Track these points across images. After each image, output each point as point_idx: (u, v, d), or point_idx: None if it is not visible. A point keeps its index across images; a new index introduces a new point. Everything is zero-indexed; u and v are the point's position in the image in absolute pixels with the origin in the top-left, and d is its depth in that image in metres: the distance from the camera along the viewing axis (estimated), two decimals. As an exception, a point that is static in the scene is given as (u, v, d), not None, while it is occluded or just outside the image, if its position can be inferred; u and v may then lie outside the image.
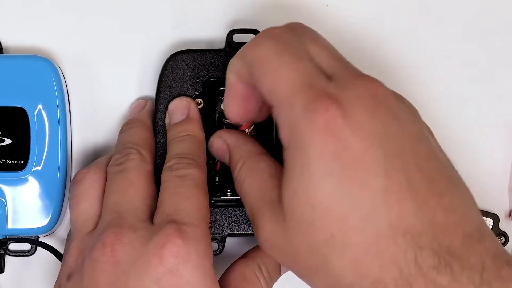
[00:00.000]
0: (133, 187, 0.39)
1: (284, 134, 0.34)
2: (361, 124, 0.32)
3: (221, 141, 0.41)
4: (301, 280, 0.35)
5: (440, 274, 0.30)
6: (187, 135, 0.42)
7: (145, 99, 0.45)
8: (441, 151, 0.36)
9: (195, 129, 0.42)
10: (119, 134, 0.44)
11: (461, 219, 0.32)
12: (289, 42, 0.35)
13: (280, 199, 0.35)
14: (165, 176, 0.40)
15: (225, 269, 0.41)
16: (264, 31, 0.37)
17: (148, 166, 0.41)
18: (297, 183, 0.33)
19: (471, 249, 0.31)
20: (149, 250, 0.36)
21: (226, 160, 0.41)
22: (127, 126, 0.44)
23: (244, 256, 0.42)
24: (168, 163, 0.40)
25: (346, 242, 0.32)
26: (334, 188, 0.32)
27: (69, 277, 0.38)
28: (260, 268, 0.41)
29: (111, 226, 0.37)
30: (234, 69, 0.37)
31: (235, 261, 0.41)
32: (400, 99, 0.35)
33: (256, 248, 0.42)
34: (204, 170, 0.40)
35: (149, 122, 0.44)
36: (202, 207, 0.38)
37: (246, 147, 0.40)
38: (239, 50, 0.37)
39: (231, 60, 0.37)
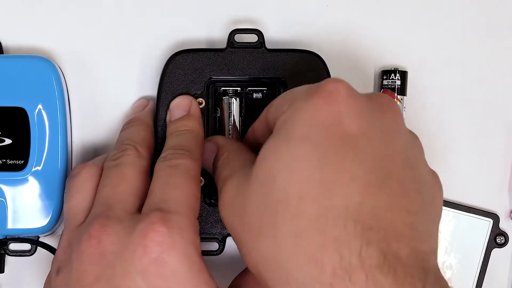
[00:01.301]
0: (125, 181, 0.39)
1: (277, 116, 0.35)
2: (361, 110, 0.32)
3: (211, 143, 0.41)
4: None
5: (382, 274, 0.29)
6: (186, 129, 0.42)
7: (147, 98, 0.45)
8: (424, 164, 0.35)
9: (195, 125, 0.42)
10: (120, 132, 0.44)
11: (417, 236, 0.31)
12: None
13: (253, 164, 0.34)
14: (157, 166, 0.39)
15: (243, 269, 0.41)
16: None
17: (144, 162, 0.41)
18: (274, 142, 0.33)
19: (417, 263, 0.30)
20: (133, 240, 0.35)
21: (211, 162, 0.41)
22: (127, 125, 0.44)
23: None
24: (162, 154, 0.40)
25: (298, 208, 0.31)
26: (308, 152, 0.32)
27: (58, 271, 0.38)
28: None
29: (98, 217, 0.37)
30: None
31: None
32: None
33: None
34: (198, 163, 0.40)
35: (150, 121, 0.44)
36: (191, 197, 0.38)
37: (234, 145, 0.40)
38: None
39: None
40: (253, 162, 0.35)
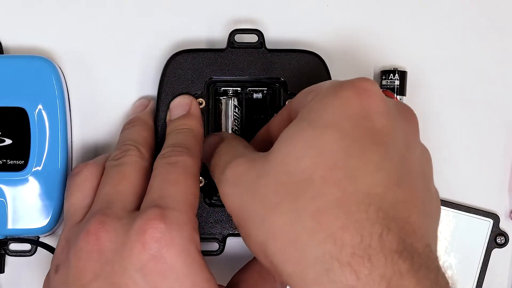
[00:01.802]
0: (126, 180, 0.39)
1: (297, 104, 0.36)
2: (389, 112, 0.34)
3: (216, 136, 0.41)
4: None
5: (401, 259, 0.30)
6: (185, 128, 0.42)
7: (147, 98, 0.46)
8: (432, 178, 0.37)
9: (195, 124, 0.42)
10: (121, 132, 0.44)
11: (428, 237, 0.32)
12: None
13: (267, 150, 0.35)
14: (156, 163, 0.39)
15: (242, 267, 0.41)
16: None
17: (145, 163, 0.41)
18: (299, 126, 0.34)
19: (430, 258, 0.32)
20: (131, 236, 0.35)
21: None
22: (128, 125, 0.44)
23: None
24: (161, 152, 0.40)
25: (322, 188, 0.32)
26: (335, 138, 0.32)
27: (56, 269, 0.38)
28: None
29: (97, 214, 0.37)
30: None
31: (254, 260, 0.41)
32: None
33: None
34: (197, 160, 0.40)
35: (150, 121, 0.44)
36: (190, 194, 0.38)
37: (240, 140, 0.40)
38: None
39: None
40: (253, 149, 0.36)
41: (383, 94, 0.34)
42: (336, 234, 0.31)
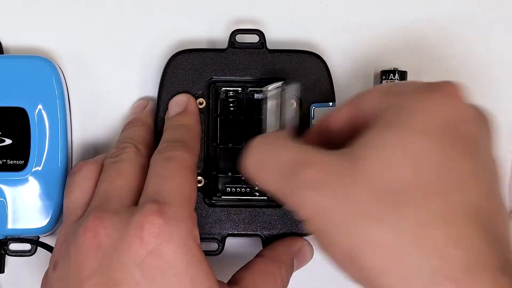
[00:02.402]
0: (123, 176, 0.39)
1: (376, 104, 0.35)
2: (479, 119, 0.34)
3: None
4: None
5: (504, 276, 0.30)
6: (182, 124, 0.42)
7: (146, 99, 0.46)
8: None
9: (192, 120, 0.42)
10: (120, 133, 0.44)
11: None
12: None
13: (350, 145, 0.33)
14: (152, 159, 0.39)
15: (244, 265, 0.41)
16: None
17: (142, 159, 0.41)
18: (388, 133, 0.32)
19: None
20: (129, 231, 0.35)
21: None
22: (128, 125, 0.44)
23: (262, 254, 0.42)
24: (157, 148, 0.40)
25: (424, 200, 0.31)
26: (432, 147, 0.31)
27: (55, 265, 0.38)
28: (280, 268, 0.41)
29: (95, 211, 0.37)
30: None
31: (255, 259, 0.41)
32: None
33: (273, 247, 0.42)
34: (194, 155, 0.40)
35: (150, 121, 0.44)
36: (187, 188, 0.38)
37: (283, 134, 0.38)
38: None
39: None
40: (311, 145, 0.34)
41: (468, 99, 0.34)
42: (441, 248, 0.30)
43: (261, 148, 0.36)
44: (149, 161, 0.40)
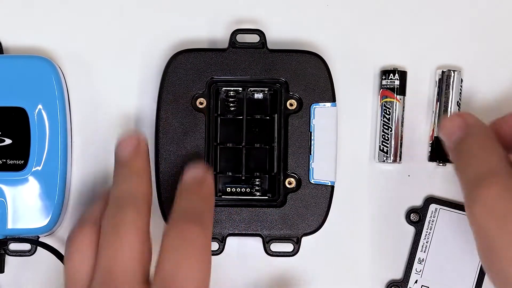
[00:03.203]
0: (126, 245, 0.37)
1: None
2: None
3: (459, 118, 0.39)
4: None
5: None
6: (197, 195, 0.39)
7: (132, 135, 0.42)
8: None
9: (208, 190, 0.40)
10: (114, 177, 0.41)
11: None
12: None
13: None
14: (166, 233, 0.37)
15: None
16: None
17: (143, 219, 0.38)
18: None
19: None
20: None
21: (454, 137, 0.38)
22: (121, 168, 0.41)
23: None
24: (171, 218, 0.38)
25: None
26: None
27: None
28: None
29: None
30: None
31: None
32: None
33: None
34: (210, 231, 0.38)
35: (148, 168, 0.41)
36: (204, 272, 0.36)
37: (486, 130, 0.38)
38: None
39: None
40: (504, 158, 0.34)
41: None
42: None
43: (471, 147, 0.36)
44: (149, 220, 0.38)
